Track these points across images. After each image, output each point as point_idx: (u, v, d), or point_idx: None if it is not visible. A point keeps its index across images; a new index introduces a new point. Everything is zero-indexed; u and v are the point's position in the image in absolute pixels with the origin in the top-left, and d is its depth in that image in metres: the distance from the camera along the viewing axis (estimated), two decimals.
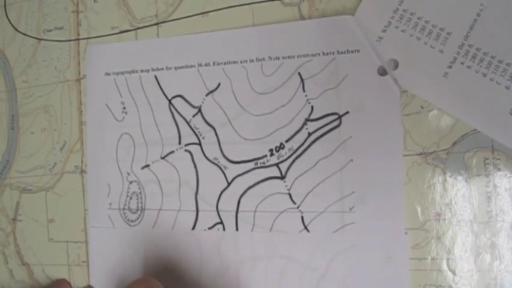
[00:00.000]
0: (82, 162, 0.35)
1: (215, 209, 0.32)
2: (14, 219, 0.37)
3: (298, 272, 0.30)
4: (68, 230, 0.36)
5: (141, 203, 0.33)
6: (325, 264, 0.29)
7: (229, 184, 0.31)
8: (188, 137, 0.32)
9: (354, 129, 0.29)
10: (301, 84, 0.30)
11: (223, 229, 0.31)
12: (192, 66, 0.32)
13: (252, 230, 0.31)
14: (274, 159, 0.30)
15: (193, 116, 0.32)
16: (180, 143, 0.33)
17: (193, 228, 0.32)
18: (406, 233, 0.28)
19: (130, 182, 0.34)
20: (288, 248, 0.30)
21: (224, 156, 0.32)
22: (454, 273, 0.27)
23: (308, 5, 0.30)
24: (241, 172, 0.31)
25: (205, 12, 0.32)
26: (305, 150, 0.30)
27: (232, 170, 0.31)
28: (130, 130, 0.34)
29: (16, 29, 0.37)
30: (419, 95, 0.28)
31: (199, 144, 0.32)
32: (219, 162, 0.32)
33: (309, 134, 0.30)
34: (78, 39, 0.36)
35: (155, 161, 0.33)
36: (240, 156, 0.31)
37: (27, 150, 0.37)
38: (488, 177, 0.27)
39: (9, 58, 0.38)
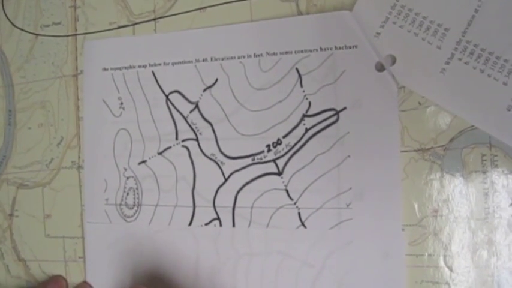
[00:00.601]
0: (79, 157, 0.35)
1: (212, 205, 0.32)
2: (11, 215, 0.37)
3: (295, 268, 0.30)
4: (64, 226, 0.35)
5: (138, 198, 0.33)
6: (322, 260, 0.29)
7: (226, 180, 0.31)
8: (185, 132, 0.32)
9: (352, 125, 0.29)
10: (299, 80, 0.30)
11: (220, 225, 0.31)
12: (189, 61, 0.32)
13: (249, 226, 0.31)
14: (271, 155, 0.30)
15: (191, 111, 0.32)
16: (177, 138, 0.32)
17: (190, 224, 0.32)
18: (403, 229, 0.28)
19: (127, 178, 0.34)
20: (284, 244, 0.30)
21: (221, 152, 0.31)
22: (451, 270, 0.27)
23: (306, 1, 0.30)
24: (238, 168, 0.31)
25: (203, 8, 0.32)
26: (302, 146, 0.30)
27: (229, 166, 0.31)
28: (127, 126, 0.34)
29: (13, 24, 0.37)
30: (417, 91, 0.28)
31: (197, 139, 0.32)
32: (216, 158, 0.32)
33: (306, 130, 0.30)
34: (75, 35, 0.36)
35: (152, 157, 0.33)
36: (237, 152, 0.31)
37: (24, 145, 0.37)
38: (485, 173, 0.27)
39: (6, 53, 0.38)
